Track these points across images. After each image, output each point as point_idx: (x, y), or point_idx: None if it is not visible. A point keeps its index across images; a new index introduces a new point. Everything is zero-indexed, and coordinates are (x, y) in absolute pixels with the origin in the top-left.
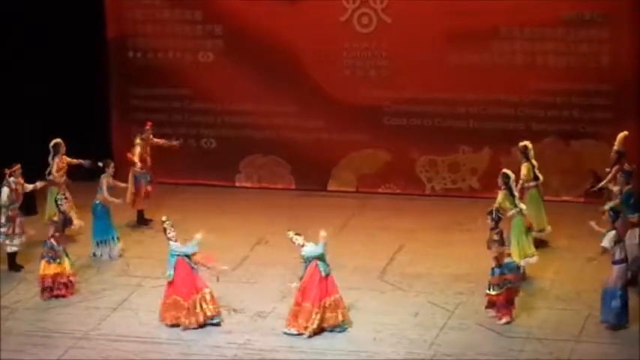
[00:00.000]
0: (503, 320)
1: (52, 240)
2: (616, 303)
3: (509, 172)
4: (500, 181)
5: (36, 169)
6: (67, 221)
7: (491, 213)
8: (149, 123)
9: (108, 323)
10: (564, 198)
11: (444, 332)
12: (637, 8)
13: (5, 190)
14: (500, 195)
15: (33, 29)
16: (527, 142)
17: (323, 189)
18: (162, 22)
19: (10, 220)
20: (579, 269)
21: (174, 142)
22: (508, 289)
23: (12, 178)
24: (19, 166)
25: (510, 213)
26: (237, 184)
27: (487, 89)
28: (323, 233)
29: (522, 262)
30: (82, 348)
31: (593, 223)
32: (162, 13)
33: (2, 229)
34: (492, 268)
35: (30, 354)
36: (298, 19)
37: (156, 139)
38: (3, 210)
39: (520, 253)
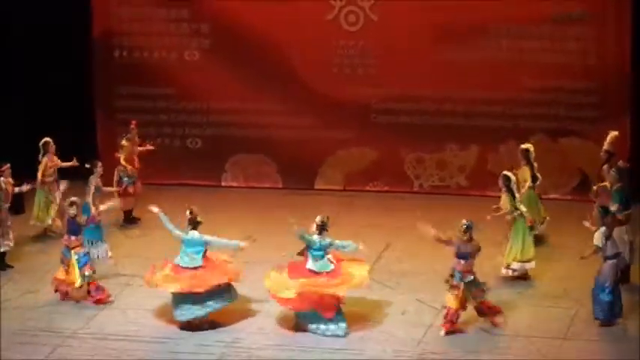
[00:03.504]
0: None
1: (65, 243)
2: (605, 297)
3: (509, 174)
4: (500, 183)
5: (20, 169)
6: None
7: (468, 229)
8: (134, 122)
9: (96, 322)
10: (552, 196)
11: (431, 330)
12: (623, 6)
13: None
14: (503, 198)
15: (17, 26)
16: (529, 145)
17: (310, 187)
18: (148, 21)
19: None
20: (567, 267)
21: (149, 147)
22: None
23: (2, 178)
24: (8, 165)
25: (510, 216)
26: (223, 184)
27: (474, 87)
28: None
29: (525, 266)
30: (70, 347)
31: (587, 223)
32: (149, 11)
33: None
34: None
35: (18, 352)
36: (285, 17)
37: (139, 148)
38: None
39: (521, 254)
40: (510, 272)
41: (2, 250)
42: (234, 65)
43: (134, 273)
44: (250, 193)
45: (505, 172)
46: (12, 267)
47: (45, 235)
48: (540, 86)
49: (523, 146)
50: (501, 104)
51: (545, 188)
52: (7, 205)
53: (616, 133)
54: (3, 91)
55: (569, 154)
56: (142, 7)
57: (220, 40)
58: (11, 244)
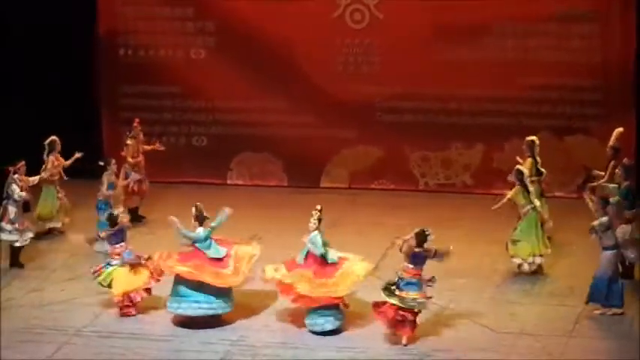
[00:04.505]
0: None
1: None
2: (604, 287)
3: (523, 168)
4: (513, 177)
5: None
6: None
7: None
8: (137, 120)
9: (101, 320)
10: (557, 194)
11: (435, 328)
12: (628, 4)
13: (15, 186)
14: (514, 190)
15: (22, 25)
16: (534, 138)
17: (315, 186)
18: (153, 19)
19: (18, 215)
20: (573, 264)
21: (158, 147)
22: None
23: (17, 175)
24: (23, 163)
25: (525, 209)
26: (229, 182)
27: (479, 85)
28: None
29: (537, 259)
30: (75, 345)
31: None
32: (154, 9)
33: (8, 226)
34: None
35: (22, 351)
36: (290, 15)
37: (144, 147)
38: (11, 205)
39: (533, 248)
40: (527, 266)
41: (19, 244)
42: (239, 63)
43: None
44: (256, 192)
45: (518, 167)
46: (22, 266)
47: (51, 234)
48: (545, 84)
49: (529, 138)
50: (506, 102)
51: (551, 186)
52: (21, 202)
53: (621, 129)
54: (7, 91)
55: (573, 152)
56: (147, 5)
57: (226, 39)
58: (27, 241)
